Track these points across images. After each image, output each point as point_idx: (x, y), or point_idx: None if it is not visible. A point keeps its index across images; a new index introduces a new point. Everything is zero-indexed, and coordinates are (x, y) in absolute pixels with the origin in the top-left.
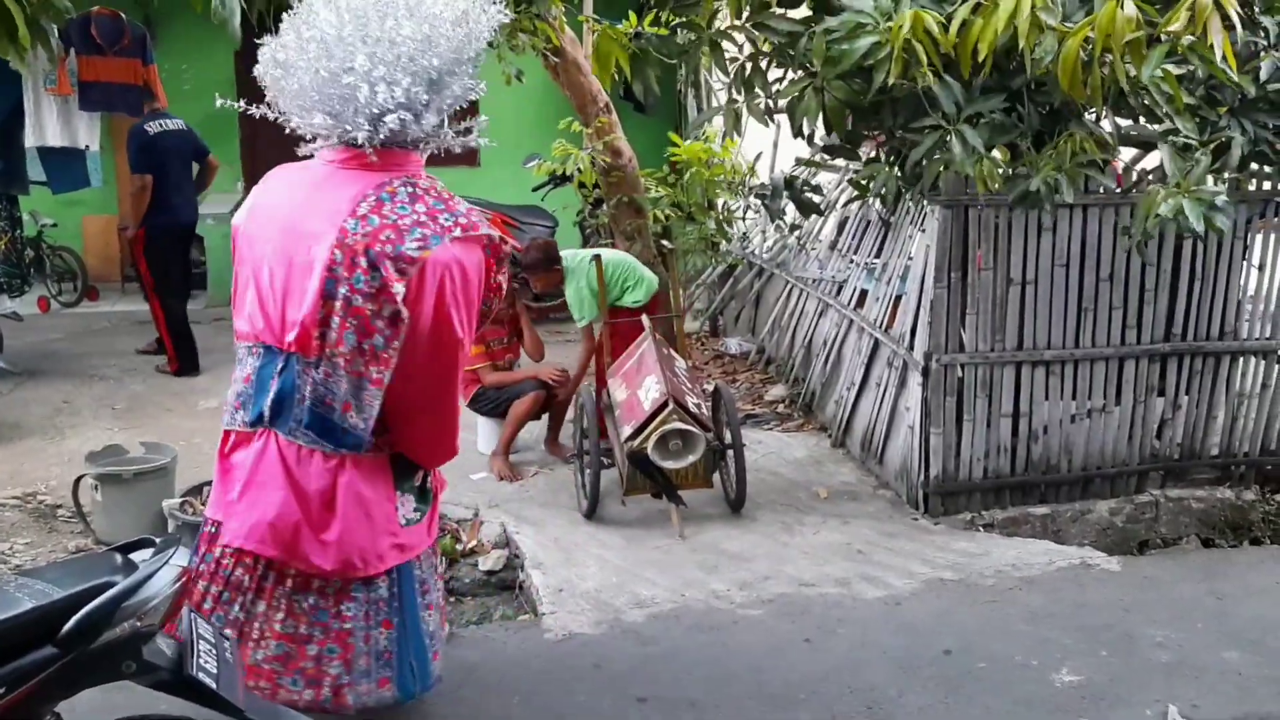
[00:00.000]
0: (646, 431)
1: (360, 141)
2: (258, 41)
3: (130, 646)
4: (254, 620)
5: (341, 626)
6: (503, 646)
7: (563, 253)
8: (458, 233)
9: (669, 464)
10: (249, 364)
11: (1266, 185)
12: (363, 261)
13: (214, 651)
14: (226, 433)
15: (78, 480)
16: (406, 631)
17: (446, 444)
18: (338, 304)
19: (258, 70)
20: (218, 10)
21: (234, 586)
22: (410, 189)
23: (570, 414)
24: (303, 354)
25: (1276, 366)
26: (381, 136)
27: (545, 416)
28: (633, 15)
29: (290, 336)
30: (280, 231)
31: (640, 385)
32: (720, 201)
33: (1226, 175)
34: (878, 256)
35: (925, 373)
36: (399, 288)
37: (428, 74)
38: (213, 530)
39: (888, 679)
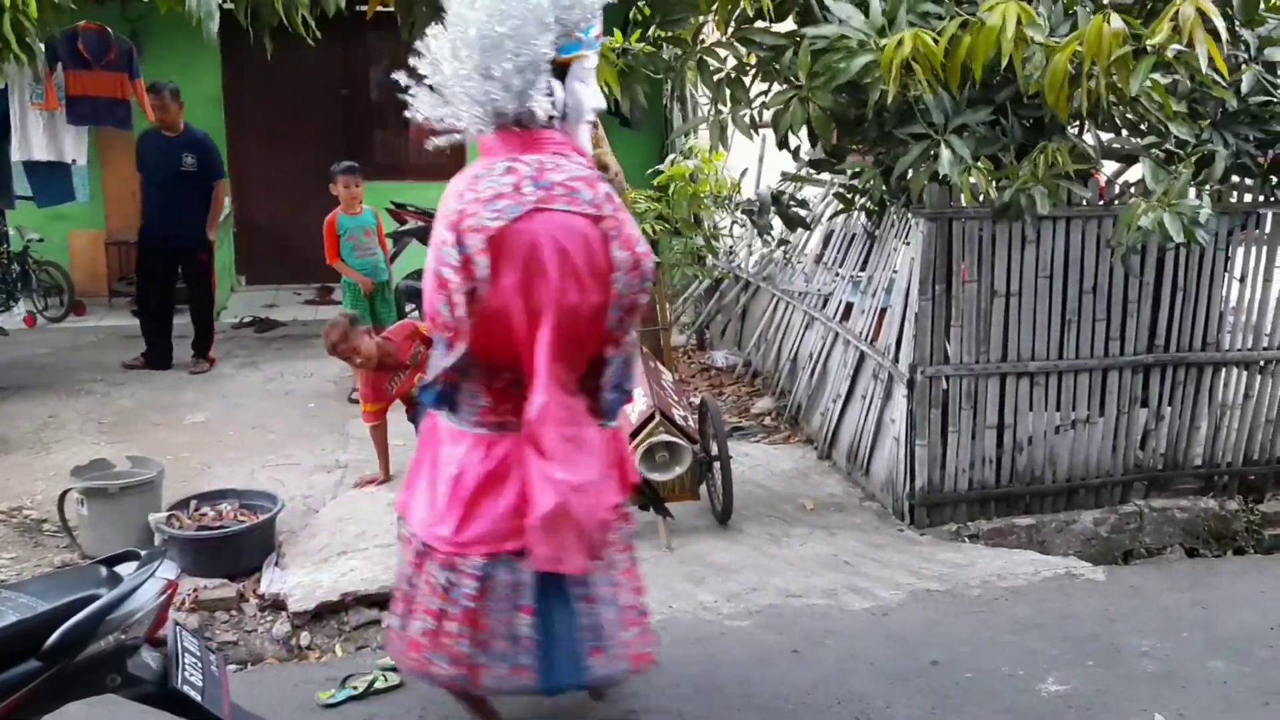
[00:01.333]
0: (633, 444)
1: (474, 127)
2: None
3: (115, 660)
4: (413, 594)
5: (470, 605)
6: None
7: None
8: (535, 203)
9: (656, 476)
10: None
11: (1248, 197)
12: (450, 236)
13: (199, 665)
14: None
15: (63, 495)
16: (551, 620)
17: (564, 431)
18: (436, 280)
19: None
20: (194, 9)
21: (408, 563)
22: (510, 164)
23: None
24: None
25: (1259, 377)
26: (480, 116)
27: None
28: (618, 32)
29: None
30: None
31: None
32: (706, 217)
33: (1209, 187)
34: (863, 269)
35: (910, 385)
36: (481, 260)
37: (497, 47)
38: None
39: (875, 690)
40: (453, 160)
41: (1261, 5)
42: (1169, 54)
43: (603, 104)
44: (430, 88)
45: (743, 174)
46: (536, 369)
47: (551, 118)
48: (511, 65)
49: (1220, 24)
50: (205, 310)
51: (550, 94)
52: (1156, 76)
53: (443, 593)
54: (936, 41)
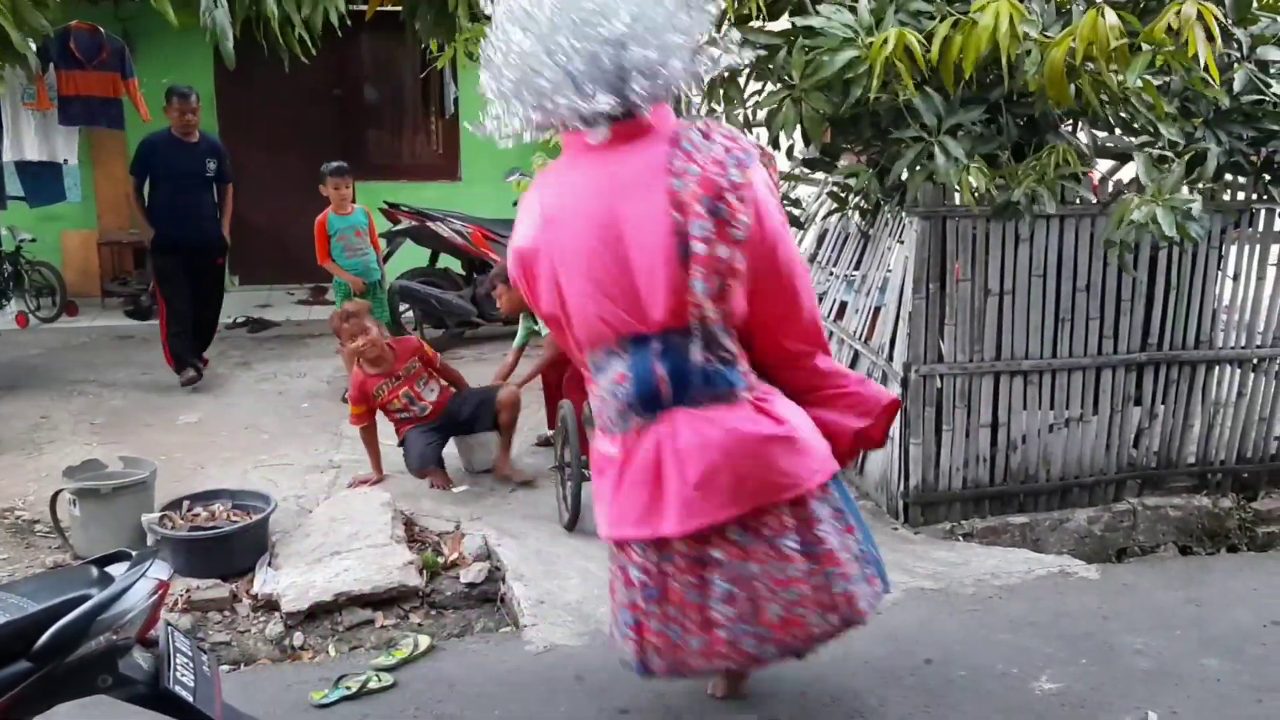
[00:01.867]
0: None
1: (629, 110)
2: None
3: (106, 660)
4: (756, 581)
5: (825, 549)
6: (484, 659)
7: None
8: (755, 151)
9: None
10: (615, 365)
11: (1241, 196)
12: (700, 208)
13: (191, 665)
14: (616, 438)
15: (55, 495)
16: (863, 530)
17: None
18: (692, 261)
19: (485, 88)
20: (209, 28)
21: (716, 565)
22: (697, 130)
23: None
24: (675, 325)
25: (1252, 375)
26: (647, 94)
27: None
28: None
29: (657, 314)
30: (600, 226)
31: None
32: None
33: (1202, 186)
34: (857, 268)
35: (904, 383)
36: (743, 218)
37: (659, 13)
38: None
39: (869, 688)
40: (446, 161)
41: (1254, 4)
42: (1165, 53)
43: None
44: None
45: None
46: (809, 312)
47: None
48: (692, 37)
49: (1217, 28)
50: (215, 313)
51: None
52: (1149, 77)
53: (799, 554)
54: (928, 42)
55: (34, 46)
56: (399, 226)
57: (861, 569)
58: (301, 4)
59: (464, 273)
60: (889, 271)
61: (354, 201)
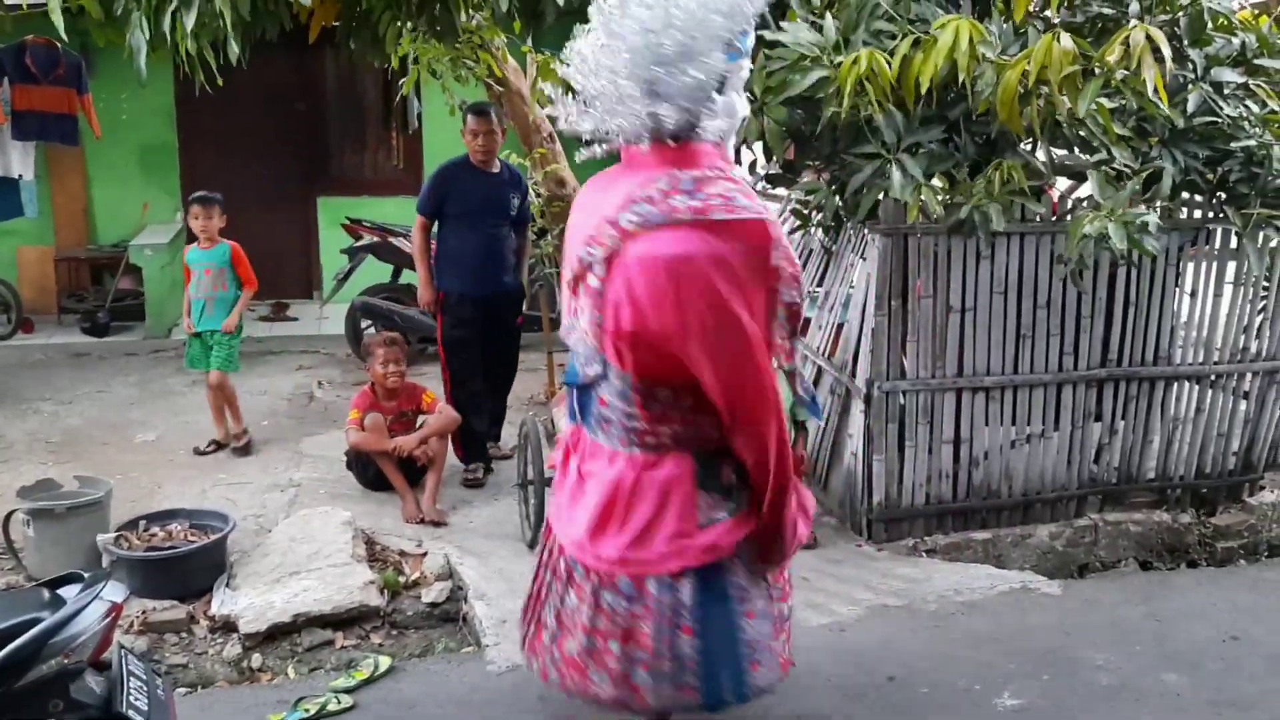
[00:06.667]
0: None
1: (630, 141)
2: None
3: (58, 684)
4: (567, 611)
5: (639, 626)
6: (445, 680)
7: None
8: (679, 218)
9: None
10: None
11: (1197, 214)
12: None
13: (145, 689)
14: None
15: (9, 515)
16: (713, 639)
17: (759, 445)
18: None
19: (573, 75)
20: (129, 43)
21: (558, 578)
22: (691, 178)
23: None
24: (600, 351)
25: (1210, 391)
26: (639, 133)
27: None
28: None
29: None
30: (572, 236)
31: None
32: None
33: (1158, 204)
34: (820, 285)
35: (867, 400)
36: (593, 282)
37: (668, 63)
38: None
39: (832, 706)
40: (409, 176)
41: (1208, 25)
42: (1117, 77)
43: (747, 110)
44: (580, 97)
45: None
46: (727, 387)
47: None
48: (683, 84)
49: (1167, 51)
50: (509, 388)
51: (716, 112)
52: (1103, 100)
53: (608, 613)
54: (890, 60)
55: None
56: (361, 242)
57: (676, 671)
58: (200, 33)
59: None
60: (852, 288)
61: (219, 235)
